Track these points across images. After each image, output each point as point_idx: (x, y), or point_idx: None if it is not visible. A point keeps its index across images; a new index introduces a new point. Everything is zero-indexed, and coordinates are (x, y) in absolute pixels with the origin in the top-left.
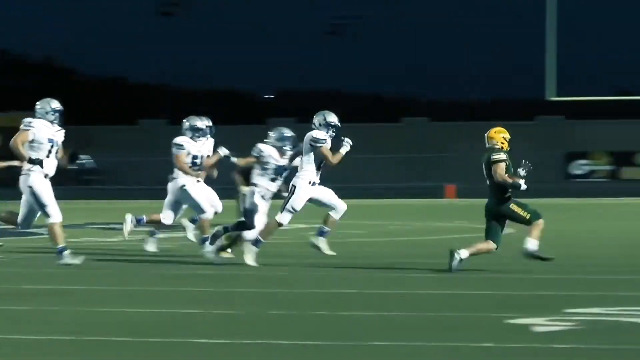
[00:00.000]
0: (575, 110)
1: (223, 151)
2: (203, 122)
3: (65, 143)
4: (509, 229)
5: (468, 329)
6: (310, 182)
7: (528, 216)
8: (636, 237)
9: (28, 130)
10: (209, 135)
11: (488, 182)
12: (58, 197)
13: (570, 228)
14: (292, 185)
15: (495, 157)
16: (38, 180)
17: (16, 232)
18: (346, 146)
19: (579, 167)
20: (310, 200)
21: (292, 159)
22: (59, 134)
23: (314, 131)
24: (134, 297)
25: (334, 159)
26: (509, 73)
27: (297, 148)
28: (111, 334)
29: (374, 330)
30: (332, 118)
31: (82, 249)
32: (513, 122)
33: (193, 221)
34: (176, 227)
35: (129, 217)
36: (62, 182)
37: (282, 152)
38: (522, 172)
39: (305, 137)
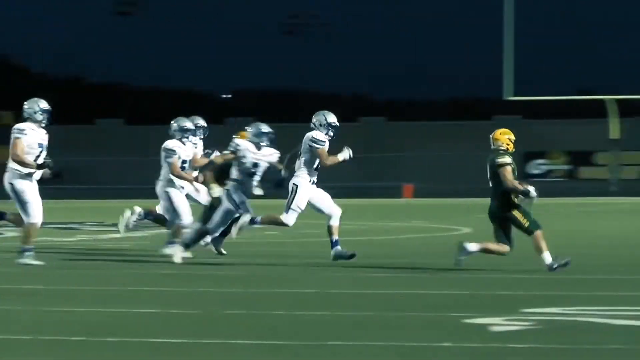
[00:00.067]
0: (533, 110)
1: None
2: (192, 122)
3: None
4: (466, 228)
5: (426, 328)
6: (310, 181)
7: (527, 224)
8: (593, 236)
9: (21, 138)
10: (201, 136)
11: (491, 184)
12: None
13: None
14: (294, 184)
15: (500, 160)
16: (21, 179)
17: None
18: (345, 153)
19: (537, 166)
20: (308, 201)
21: (290, 159)
22: (45, 137)
23: (313, 132)
24: (92, 296)
25: (329, 161)
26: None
27: (296, 148)
28: (69, 333)
29: (331, 330)
30: (332, 118)
31: (40, 249)
32: (470, 122)
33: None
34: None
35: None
36: None
37: (258, 147)
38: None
39: (304, 138)
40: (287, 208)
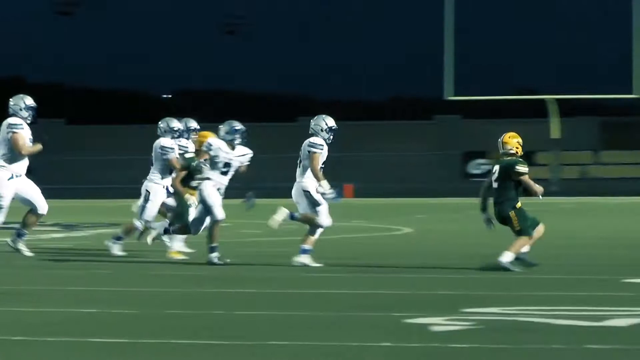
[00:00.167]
0: (473, 110)
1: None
2: (184, 124)
3: None
4: (407, 228)
5: (366, 328)
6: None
7: (518, 228)
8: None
9: (20, 131)
10: (190, 137)
11: (496, 186)
12: None
13: (468, 228)
14: (304, 190)
15: (521, 169)
16: (2, 178)
17: None
18: (326, 188)
19: (477, 166)
20: (298, 202)
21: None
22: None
23: (312, 137)
24: (30, 296)
25: (317, 170)
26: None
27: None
28: (5, 334)
29: (271, 330)
30: (331, 122)
31: None
32: (411, 122)
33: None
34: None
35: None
36: None
37: (232, 146)
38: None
39: (303, 144)
40: (318, 212)
